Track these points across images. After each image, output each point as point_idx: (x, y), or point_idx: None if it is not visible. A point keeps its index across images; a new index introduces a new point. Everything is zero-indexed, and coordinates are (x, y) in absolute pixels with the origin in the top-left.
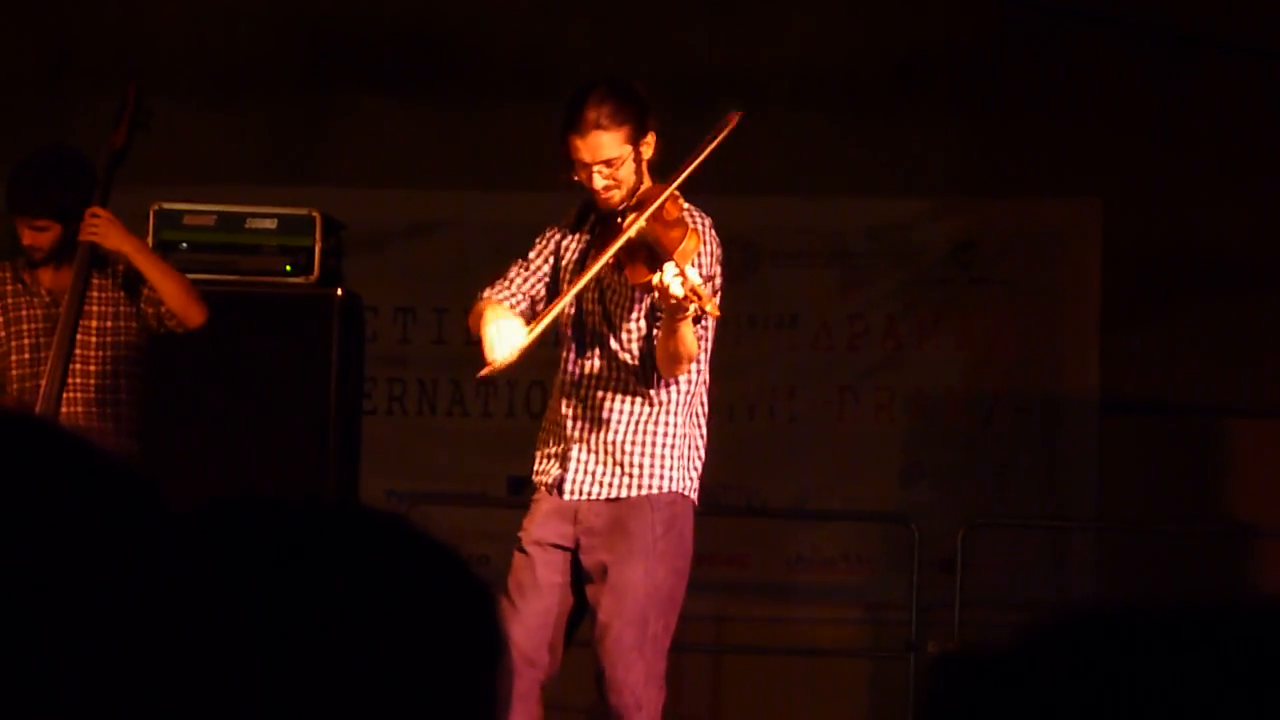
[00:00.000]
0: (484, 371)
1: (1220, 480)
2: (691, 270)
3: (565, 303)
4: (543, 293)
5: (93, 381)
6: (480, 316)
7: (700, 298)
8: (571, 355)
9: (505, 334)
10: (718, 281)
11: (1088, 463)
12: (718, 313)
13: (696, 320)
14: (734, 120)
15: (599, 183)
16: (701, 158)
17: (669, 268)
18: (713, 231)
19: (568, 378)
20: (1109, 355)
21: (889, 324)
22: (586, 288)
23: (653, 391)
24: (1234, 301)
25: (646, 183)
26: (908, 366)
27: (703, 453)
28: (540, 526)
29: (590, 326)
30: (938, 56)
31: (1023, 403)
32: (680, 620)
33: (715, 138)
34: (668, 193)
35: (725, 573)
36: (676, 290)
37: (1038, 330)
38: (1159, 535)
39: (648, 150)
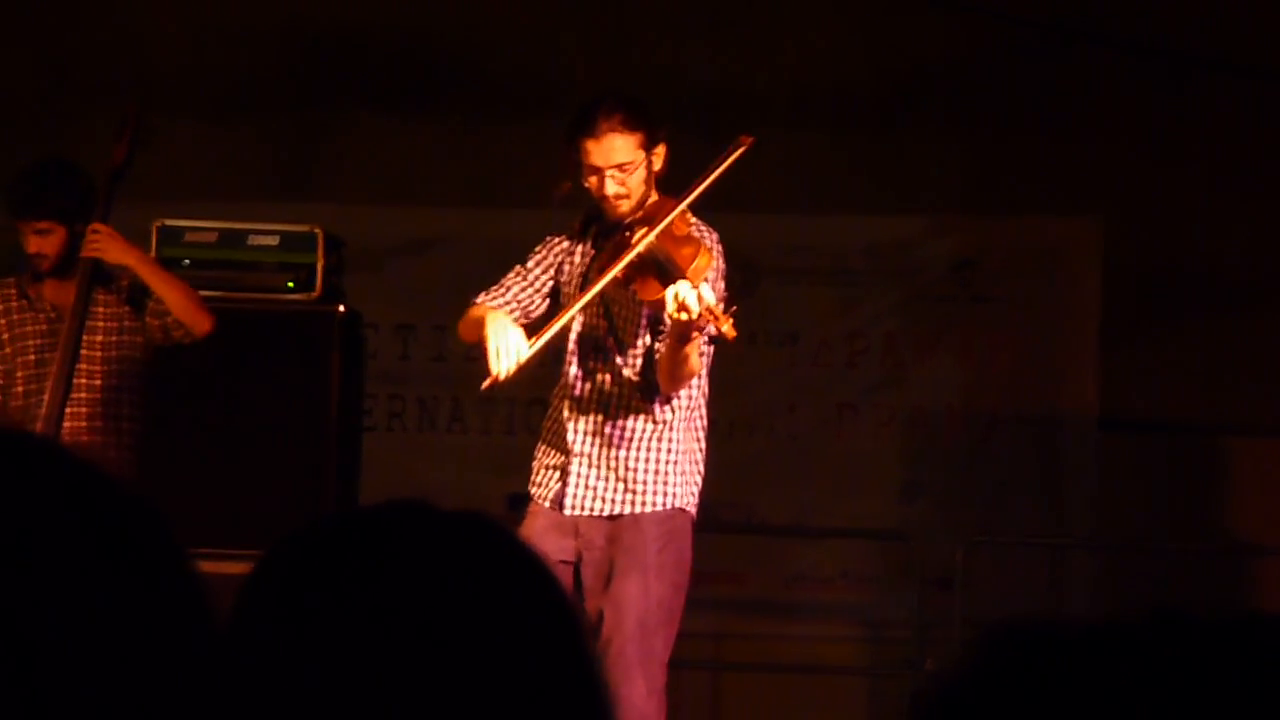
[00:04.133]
0: (487, 383)
1: (1218, 498)
2: (706, 289)
3: (570, 315)
4: (538, 305)
5: (97, 395)
6: (479, 324)
7: (716, 318)
8: (575, 370)
9: (509, 344)
10: (722, 284)
11: (1086, 480)
12: (734, 333)
13: (712, 341)
14: (746, 143)
15: (610, 188)
16: (713, 178)
17: (683, 285)
18: (720, 247)
19: (570, 392)
20: (1108, 373)
21: (888, 342)
22: (592, 301)
23: (656, 408)
24: (1233, 320)
25: (654, 197)
26: (907, 384)
27: (702, 468)
28: (540, 541)
29: (595, 341)
30: (938, 75)
31: (1022, 420)
32: (679, 637)
33: (725, 160)
34: (679, 209)
35: (724, 590)
36: (693, 306)
37: (1037, 348)
38: (1157, 553)
39: (658, 161)
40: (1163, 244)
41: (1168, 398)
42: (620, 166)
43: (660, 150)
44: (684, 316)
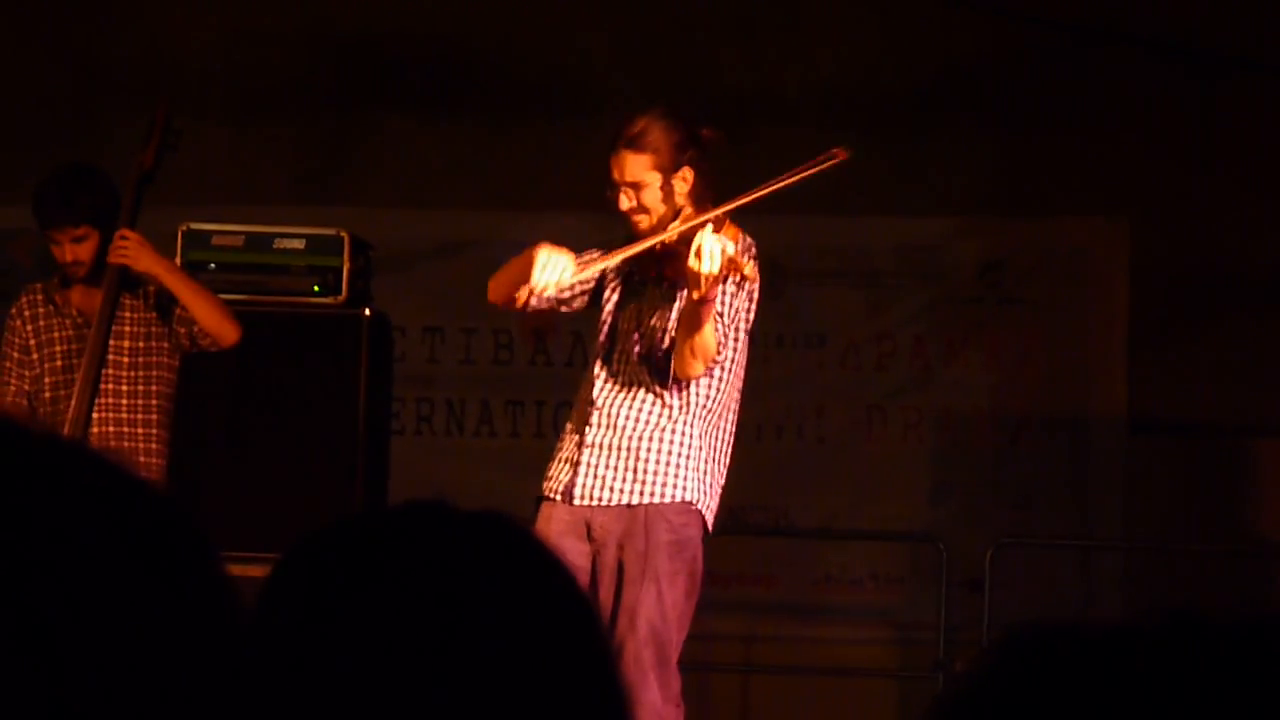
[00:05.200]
0: (523, 291)
1: (1247, 500)
2: (729, 243)
3: (618, 260)
4: (575, 290)
5: (124, 401)
6: (526, 254)
7: (737, 265)
8: (599, 368)
9: (558, 263)
10: (754, 286)
11: (1115, 482)
12: (755, 276)
13: (739, 285)
14: (840, 156)
15: (623, 204)
16: (784, 184)
17: (708, 233)
18: (753, 251)
19: (591, 390)
20: (1136, 375)
21: (917, 344)
22: (634, 265)
23: (667, 394)
24: (1261, 321)
25: (689, 209)
26: (935, 386)
27: (722, 473)
28: (557, 548)
29: (623, 344)
30: (966, 77)
31: (1050, 422)
32: (708, 640)
33: (807, 169)
34: (725, 209)
35: (753, 592)
36: (715, 254)
37: (1065, 350)
38: (1186, 554)
39: (682, 185)
40: (1191, 245)
41: (1196, 399)
42: (633, 185)
43: (685, 174)
44: (706, 269)
